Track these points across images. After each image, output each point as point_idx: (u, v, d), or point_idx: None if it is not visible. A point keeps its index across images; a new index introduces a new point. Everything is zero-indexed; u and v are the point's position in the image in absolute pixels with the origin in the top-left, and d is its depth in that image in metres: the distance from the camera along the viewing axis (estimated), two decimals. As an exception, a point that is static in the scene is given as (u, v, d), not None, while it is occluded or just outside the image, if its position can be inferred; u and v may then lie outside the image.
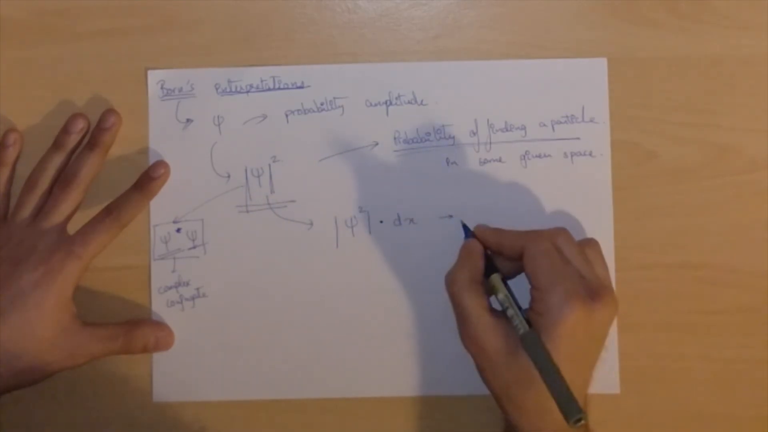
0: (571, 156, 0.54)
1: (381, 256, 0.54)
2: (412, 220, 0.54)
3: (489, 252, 0.51)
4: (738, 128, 0.54)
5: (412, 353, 0.54)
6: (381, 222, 0.54)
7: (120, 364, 0.53)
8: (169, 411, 0.54)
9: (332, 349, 0.54)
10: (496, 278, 0.49)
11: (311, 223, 0.54)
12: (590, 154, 0.54)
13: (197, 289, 0.54)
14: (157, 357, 0.54)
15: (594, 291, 0.47)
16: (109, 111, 0.53)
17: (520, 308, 0.47)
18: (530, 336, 0.45)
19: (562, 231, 0.49)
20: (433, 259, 0.53)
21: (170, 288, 0.54)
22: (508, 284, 0.49)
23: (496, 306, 0.48)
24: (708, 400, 0.54)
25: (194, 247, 0.54)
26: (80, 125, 0.53)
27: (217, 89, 0.54)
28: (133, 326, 0.52)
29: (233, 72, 0.54)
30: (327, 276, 0.54)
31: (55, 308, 0.50)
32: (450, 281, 0.49)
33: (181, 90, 0.54)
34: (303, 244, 0.54)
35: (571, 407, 0.43)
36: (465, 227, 0.52)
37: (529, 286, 0.47)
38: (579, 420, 0.42)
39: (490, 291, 0.49)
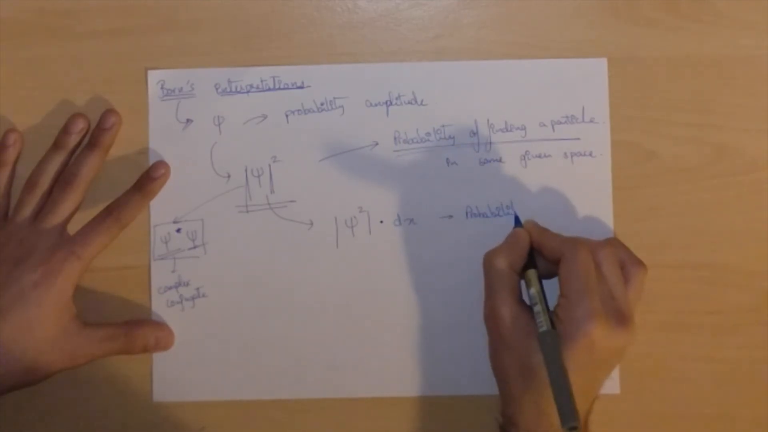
0: (571, 156, 0.54)
1: (381, 256, 0.54)
2: (412, 220, 0.54)
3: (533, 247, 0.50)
4: (738, 128, 0.54)
5: (412, 353, 0.54)
6: (381, 222, 0.54)
7: (120, 364, 0.53)
8: (169, 411, 0.54)
9: (332, 349, 0.54)
10: (532, 273, 0.49)
11: (311, 223, 0.54)
12: (590, 154, 0.54)
13: (197, 289, 0.54)
14: (157, 357, 0.54)
15: (621, 315, 0.46)
16: (109, 111, 0.53)
17: (548, 308, 0.47)
18: (549, 334, 0.45)
19: (607, 245, 0.48)
20: (433, 259, 0.53)
21: (170, 288, 0.54)
22: (542, 283, 0.49)
23: (526, 299, 0.49)
24: (708, 400, 0.54)
25: (194, 247, 0.54)
26: (80, 125, 0.53)
27: (217, 89, 0.54)
28: (133, 326, 0.52)
29: (233, 72, 0.54)
30: (327, 276, 0.54)
31: (55, 308, 0.50)
32: (489, 259, 0.49)
33: (181, 90, 0.54)
34: (303, 244, 0.54)
35: (569, 413, 0.43)
36: (516, 218, 0.52)
37: (559, 292, 0.47)
38: (573, 428, 0.42)
39: (525, 284, 0.49)
